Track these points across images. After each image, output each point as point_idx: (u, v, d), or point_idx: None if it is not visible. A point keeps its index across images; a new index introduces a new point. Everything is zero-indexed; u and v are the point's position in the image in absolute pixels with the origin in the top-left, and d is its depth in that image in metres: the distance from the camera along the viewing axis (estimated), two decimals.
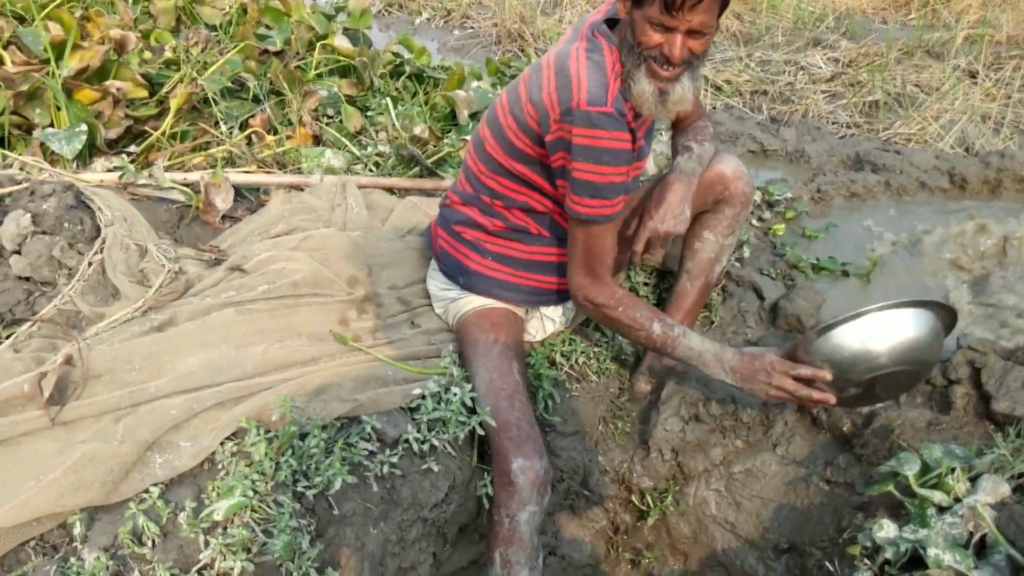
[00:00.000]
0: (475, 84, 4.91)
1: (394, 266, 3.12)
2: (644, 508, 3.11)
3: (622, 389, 3.30)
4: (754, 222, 3.96)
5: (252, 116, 3.99)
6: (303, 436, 2.45)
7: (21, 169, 3.24)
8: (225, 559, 2.22)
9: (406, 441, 2.59)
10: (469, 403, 2.66)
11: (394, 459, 2.53)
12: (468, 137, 4.23)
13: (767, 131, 4.95)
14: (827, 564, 2.55)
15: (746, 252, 3.65)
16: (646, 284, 3.49)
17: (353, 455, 2.48)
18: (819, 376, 2.49)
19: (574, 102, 2.36)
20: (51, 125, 3.54)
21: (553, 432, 2.99)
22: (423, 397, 2.67)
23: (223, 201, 3.32)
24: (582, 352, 3.21)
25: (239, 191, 3.46)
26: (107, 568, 2.16)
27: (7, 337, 2.62)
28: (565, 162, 2.49)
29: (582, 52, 2.43)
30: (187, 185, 3.32)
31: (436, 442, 2.61)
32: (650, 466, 3.10)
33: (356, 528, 2.47)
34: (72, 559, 2.20)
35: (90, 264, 2.77)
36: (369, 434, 2.55)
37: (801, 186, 4.29)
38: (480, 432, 2.64)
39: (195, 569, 2.22)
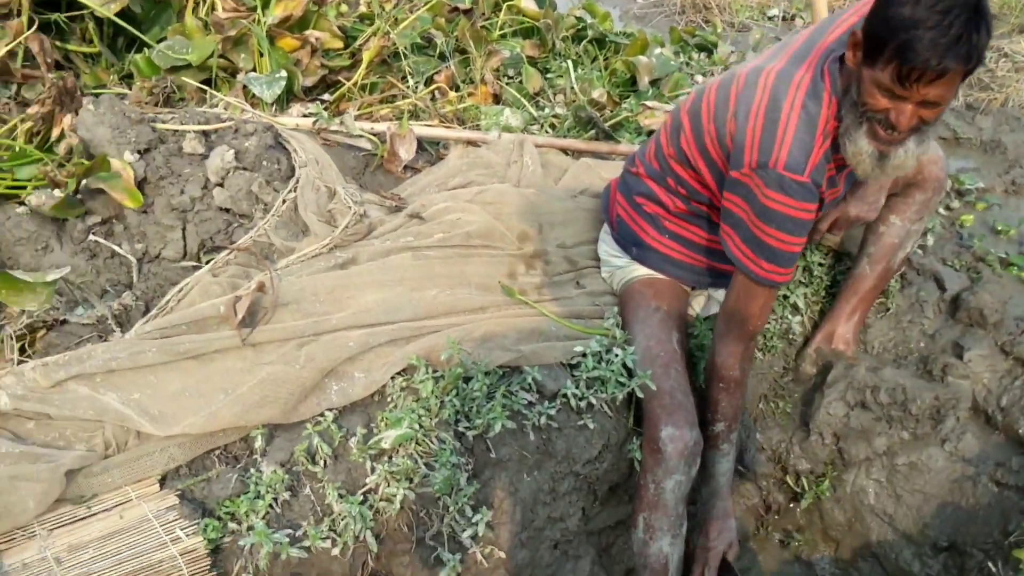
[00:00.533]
0: (658, 51, 4.86)
1: (564, 225, 3.16)
2: (798, 490, 3.05)
3: (786, 369, 3.23)
4: (941, 210, 3.76)
5: (437, 72, 4.11)
6: (467, 379, 2.54)
7: (225, 109, 3.47)
8: (389, 485, 2.35)
9: (564, 396, 2.64)
10: (630, 365, 2.68)
11: (552, 411, 2.59)
12: (647, 103, 4.21)
13: (961, 118, 4.66)
14: (989, 565, 2.44)
15: (930, 240, 3.48)
16: (821, 265, 3.39)
17: (513, 403, 2.55)
18: None
19: (772, 160, 2.24)
20: (253, 70, 3.76)
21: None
22: (584, 355, 2.71)
23: (406, 152, 3.45)
24: None
25: (421, 143, 3.58)
26: (283, 481, 2.33)
27: (207, 262, 2.84)
28: (743, 214, 2.39)
29: (800, 96, 2.24)
30: (374, 134, 3.46)
31: (594, 400, 2.65)
32: (809, 449, 3.03)
33: (511, 473, 2.55)
34: (252, 470, 2.38)
35: (284, 201, 2.95)
36: (529, 385, 2.61)
37: (995, 177, 4.03)
38: (640, 395, 2.66)
39: (361, 491, 2.36)
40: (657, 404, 2.59)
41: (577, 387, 2.66)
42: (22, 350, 2.65)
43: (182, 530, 2.24)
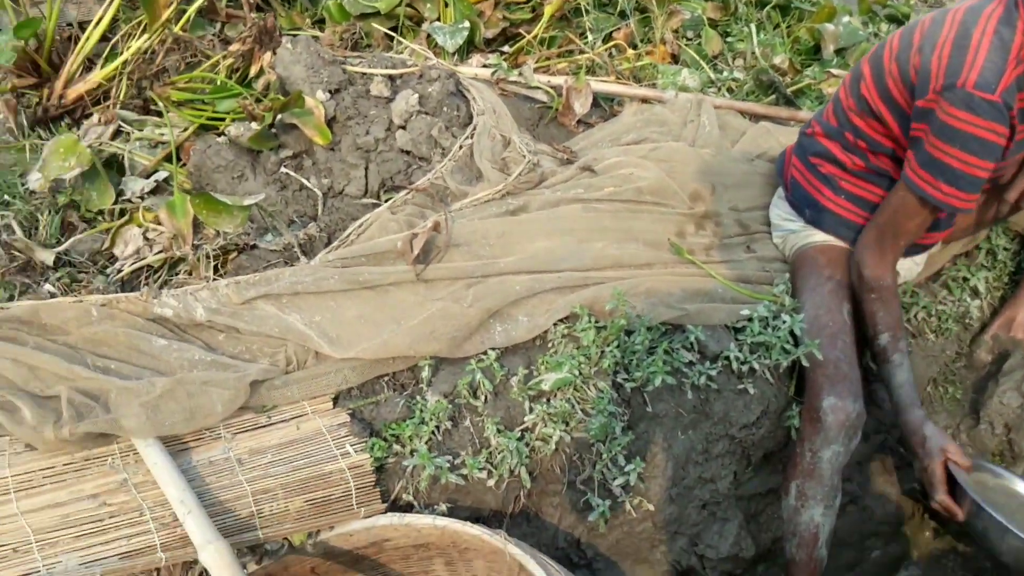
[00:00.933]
0: (845, 19, 4.67)
1: (738, 188, 3.11)
2: None
3: (959, 353, 3.08)
4: None
5: (616, 29, 4.10)
6: (628, 332, 2.56)
7: (410, 56, 3.59)
8: (546, 426, 2.41)
9: (726, 358, 2.62)
10: (798, 333, 2.62)
11: (712, 372, 2.58)
12: (832, 71, 4.07)
13: None
14: None
15: None
16: (1006, 249, 3.20)
17: (673, 360, 2.55)
18: (953, 513, 2.50)
19: (960, 79, 2.15)
20: (438, 19, 3.87)
21: (878, 382, 2.86)
22: (750, 319, 2.68)
23: (581, 106, 3.47)
24: (923, 307, 3.04)
25: (595, 99, 3.59)
26: (446, 410, 2.42)
27: (386, 200, 2.96)
28: (923, 135, 2.31)
29: (993, 21, 2.17)
30: (551, 87, 3.50)
31: (756, 365, 2.62)
32: (976, 437, 2.90)
33: (665, 429, 2.56)
34: (418, 397, 2.49)
35: (461, 147, 3.03)
36: (692, 344, 2.60)
37: None
38: (805, 364, 2.61)
39: (518, 428, 2.43)
40: (821, 373, 2.54)
41: (740, 351, 2.63)
42: (215, 269, 2.86)
43: (351, 446, 2.37)
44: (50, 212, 3.12)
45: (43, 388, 2.36)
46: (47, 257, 2.96)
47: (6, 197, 3.20)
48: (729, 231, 3.00)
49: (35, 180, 3.15)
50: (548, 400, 2.45)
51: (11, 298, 2.74)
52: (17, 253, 2.96)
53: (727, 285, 2.77)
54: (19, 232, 3.05)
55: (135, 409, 2.31)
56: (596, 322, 2.55)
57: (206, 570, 2.15)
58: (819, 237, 2.84)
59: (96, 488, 2.23)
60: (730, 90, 4.01)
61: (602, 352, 2.50)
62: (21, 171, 3.31)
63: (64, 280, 2.84)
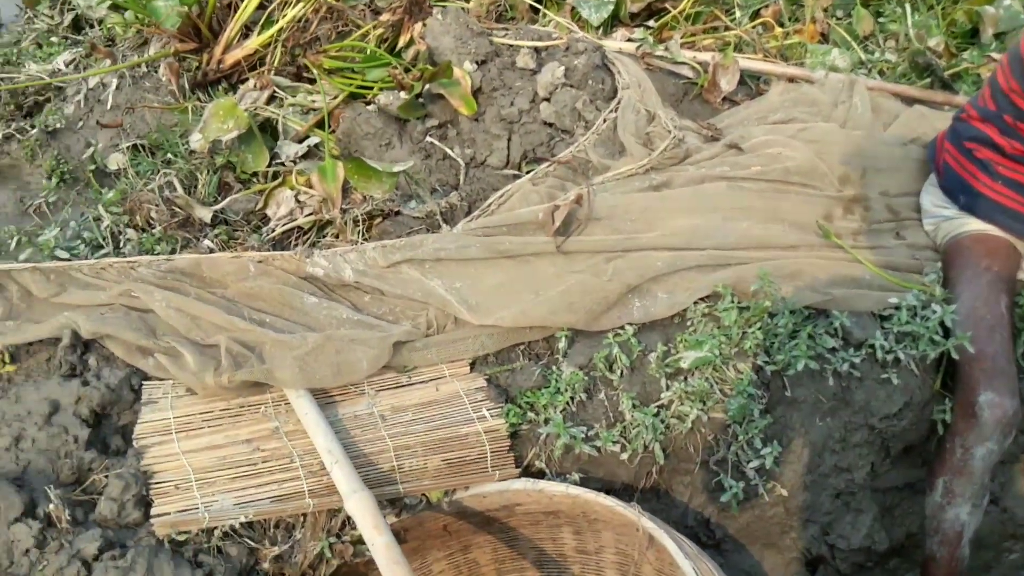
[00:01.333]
0: (1007, 2, 4.42)
1: (889, 172, 3.00)
2: None
3: None
4: None
5: (765, 6, 4.00)
6: (771, 315, 2.52)
7: (554, 28, 3.59)
8: (682, 404, 2.40)
9: (871, 346, 2.54)
10: (949, 324, 2.53)
11: (856, 360, 2.51)
12: (991, 55, 3.87)
13: None
14: None
15: None
16: None
17: (816, 345, 2.50)
18: None
19: None
20: None
21: None
22: (897, 308, 2.59)
23: (727, 83, 3.41)
24: None
25: (741, 76, 3.52)
26: (582, 381, 2.44)
27: (527, 172, 2.99)
28: None
29: None
30: (698, 63, 3.45)
31: (902, 355, 2.54)
32: None
33: (804, 415, 2.51)
34: (553, 367, 2.52)
35: (605, 120, 3.03)
36: (836, 330, 2.54)
37: None
38: (955, 356, 2.51)
39: (654, 404, 2.43)
40: (978, 368, 2.44)
41: (886, 339, 2.55)
42: (360, 233, 2.95)
43: (488, 410, 2.42)
44: (208, 172, 3.28)
45: (203, 337, 2.50)
46: (205, 215, 3.11)
47: (169, 156, 3.38)
48: (878, 216, 2.90)
49: (196, 140, 3.31)
50: (686, 378, 2.44)
51: (173, 251, 2.91)
52: (178, 209, 3.13)
53: (875, 271, 2.69)
54: (180, 189, 3.22)
55: (288, 361, 2.42)
56: (738, 302, 2.51)
57: (349, 518, 2.25)
58: (975, 225, 2.72)
59: (250, 434, 2.35)
60: (881, 72, 3.86)
61: (743, 333, 2.47)
62: (182, 131, 3.49)
63: (222, 237, 2.98)
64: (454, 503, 2.38)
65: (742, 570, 2.61)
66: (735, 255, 2.65)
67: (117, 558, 1.99)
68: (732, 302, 2.50)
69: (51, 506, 2.06)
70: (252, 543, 2.17)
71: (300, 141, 3.30)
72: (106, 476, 2.18)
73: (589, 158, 2.95)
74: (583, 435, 2.37)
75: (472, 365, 2.58)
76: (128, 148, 3.48)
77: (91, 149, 3.56)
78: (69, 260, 2.75)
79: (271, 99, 3.50)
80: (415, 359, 2.57)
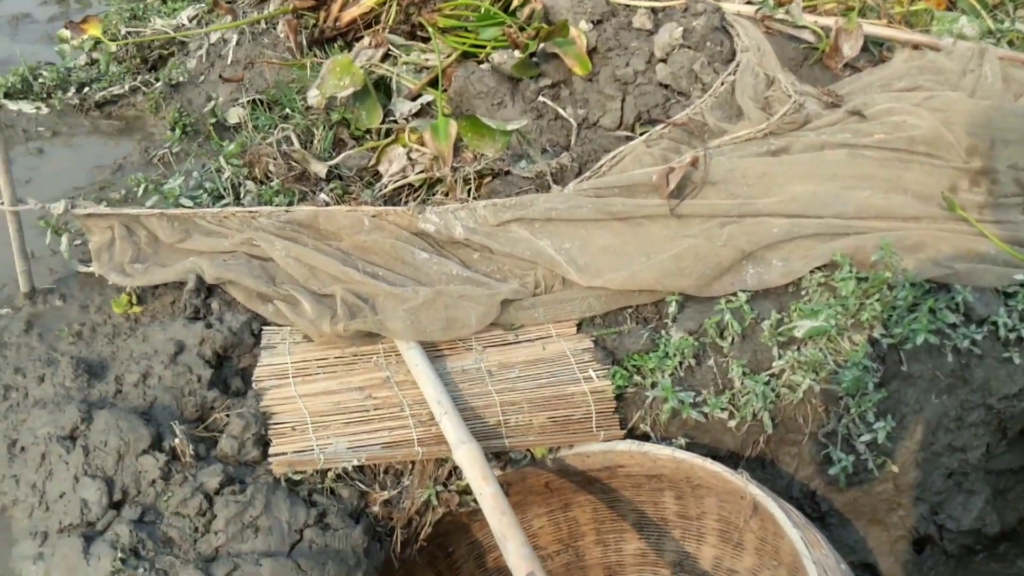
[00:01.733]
0: None
1: (1019, 145, 2.85)
2: None
3: None
4: None
5: None
6: (890, 287, 2.44)
7: None
8: (794, 373, 2.36)
9: (993, 323, 2.46)
10: None
11: (977, 336, 2.43)
12: None
13: None
14: None
15: None
16: None
17: (936, 320, 2.42)
18: None
19: None
20: None
21: None
22: (1023, 285, 2.49)
23: (850, 48, 3.30)
24: None
25: (864, 42, 3.40)
26: (691, 347, 2.42)
27: (641, 134, 2.96)
28: None
29: None
30: (820, 27, 3.35)
31: None
32: None
33: (919, 391, 2.45)
34: (662, 332, 2.51)
35: (722, 83, 2.97)
36: (957, 305, 2.46)
37: None
38: None
39: (765, 372, 2.39)
40: None
41: (1009, 317, 2.46)
42: (469, 192, 2.97)
43: (594, 371, 2.43)
44: (324, 128, 3.34)
45: (320, 287, 2.57)
46: (320, 169, 3.18)
47: (287, 111, 3.47)
48: (1006, 190, 2.78)
49: (313, 96, 3.38)
50: (799, 348, 2.40)
51: (290, 203, 2.98)
52: (294, 163, 3.20)
53: (1001, 247, 2.58)
54: (297, 144, 3.30)
55: (399, 314, 2.47)
56: (857, 273, 2.45)
57: (456, 468, 2.29)
58: None
59: (362, 382, 2.41)
60: (1011, 43, 3.68)
61: (861, 304, 2.41)
62: (299, 88, 3.56)
63: (336, 191, 3.05)
64: (557, 461, 2.39)
65: (845, 545, 2.57)
66: (854, 224, 2.58)
67: (237, 493, 2.08)
68: (850, 272, 2.44)
69: (176, 440, 2.16)
70: (363, 486, 2.23)
71: (413, 99, 3.33)
72: (227, 415, 2.27)
73: (705, 121, 2.90)
74: (691, 400, 2.35)
75: (579, 326, 2.58)
76: (247, 103, 3.58)
77: (211, 103, 3.67)
78: (193, 208, 2.85)
79: (385, 57, 3.55)
80: (522, 317, 2.59)
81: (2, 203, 2.59)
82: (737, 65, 3.02)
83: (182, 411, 2.30)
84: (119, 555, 1.94)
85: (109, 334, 2.57)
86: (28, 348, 2.54)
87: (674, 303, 2.52)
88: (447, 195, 2.99)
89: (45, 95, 3.98)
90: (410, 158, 3.12)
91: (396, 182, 3.07)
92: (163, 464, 2.12)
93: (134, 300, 2.63)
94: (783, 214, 2.59)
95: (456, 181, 2.96)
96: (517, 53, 3.12)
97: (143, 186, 3.13)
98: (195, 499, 2.05)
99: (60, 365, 2.41)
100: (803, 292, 2.51)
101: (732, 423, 2.37)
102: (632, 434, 2.42)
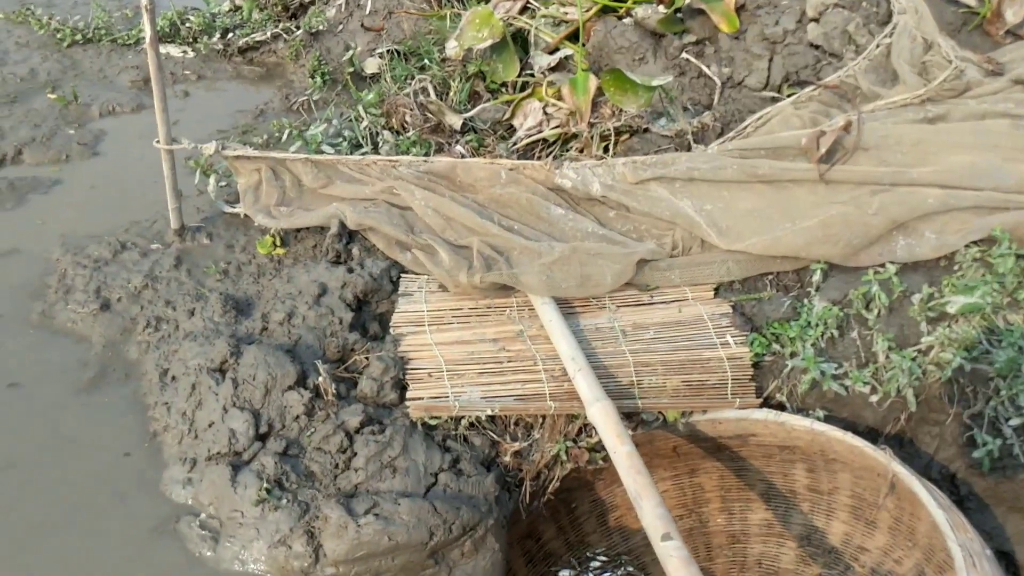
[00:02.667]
0: None
1: None
2: None
3: None
4: None
5: None
6: None
7: None
8: (944, 350, 2.26)
9: None
10: None
11: None
12: None
13: None
14: None
15: None
16: None
17: None
18: None
19: None
20: None
21: None
22: None
23: (1014, 15, 3.10)
24: None
25: None
26: (836, 317, 2.35)
27: (788, 95, 2.86)
28: None
29: None
30: None
31: None
32: None
33: None
34: (804, 300, 2.44)
35: (878, 46, 2.84)
36: None
37: None
38: None
39: (912, 348, 2.30)
40: None
41: None
42: (605, 149, 2.94)
43: (732, 337, 2.38)
44: (460, 80, 3.35)
45: (456, 238, 2.59)
46: (456, 121, 3.20)
47: (424, 62, 3.49)
48: None
49: (451, 48, 3.38)
50: (950, 324, 2.30)
51: (427, 154, 3.01)
52: (430, 115, 3.23)
53: None
54: (433, 95, 3.32)
55: (535, 268, 2.47)
56: (1016, 249, 2.32)
57: (586, 425, 2.29)
58: None
59: (496, 334, 2.43)
60: None
61: (1019, 283, 2.28)
62: (436, 39, 3.58)
63: (472, 143, 3.06)
64: (688, 425, 2.37)
65: (983, 531, 2.46)
66: (1015, 199, 2.44)
67: (376, 433, 2.13)
68: (1009, 248, 2.32)
69: (320, 379, 2.22)
70: (495, 436, 2.26)
71: (551, 53, 3.30)
72: (367, 357, 2.32)
73: (858, 84, 2.78)
74: (832, 372, 2.29)
75: (716, 291, 2.54)
76: (385, 53, 3.61)
77: (350, 52, 3.72)
78: (335, 155, 2.91)
79: (523, 10, 3.52)
80: (657, 279, 2.55)
81: (158, 141, 2.69)
82: (894, 27, 2.88)
83: (324, 351, 2.36)
84: (264, 485, 2.02)
85: (254, 273, 2.65)
86: (178, 283, 2.65)
87: (819, 271, 2.44)
88: (582, 152, 2.96)
89: (191, 39, 4.12)
90: (546, 113, 3.10)
91: (530, 136, 3.06)
92: (307, 401, 2.18)
93: (278, 242, 2.71)
94: (938, 184, 2.47)
95: (592, 137, 2.93)
96: (661, 8, 3.05)
97: (287, 131, 3.20)
98: (337, 436, 2.11)
99: (209, 300, 2.51)
100: (956, 267, 2.39)
101: (874, 398, 2.29)
102: (767, 403, 2.37)
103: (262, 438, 2.15)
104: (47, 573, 1.96)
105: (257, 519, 1.99)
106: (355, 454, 2.09)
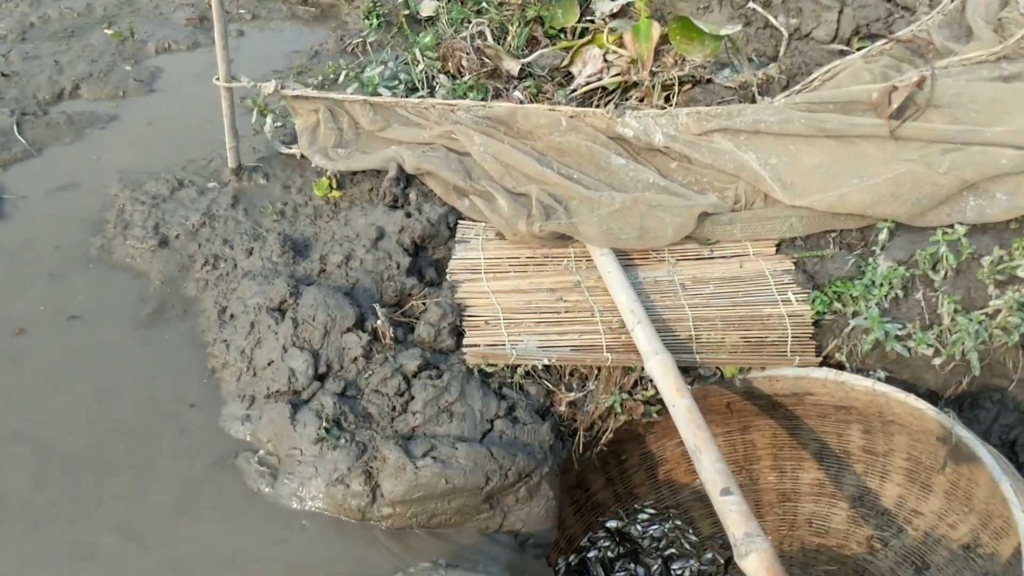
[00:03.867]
0: None
1: None
2: None
3: None
4: None
5: None
6: None
7: None
8: (1012, 315, 2.21)
9: None
10: None
11: None
12: None
13: None
14: None
15: None
16: None
17: None
18: None
19: None
20: None
21: None
22: None
23: None
24: None
25: None
26: (901, 278, 2.30)
27: (858, 49, 2.78)
28: None
29: None
30: None
31: None
32: None
33: None
34: (869, 259, 2.39)
35: (952, 0, 2.74)
36: None
37: None
38: None
39: (979, 311, 2.25)
40: None
41: None
42: (666, 99, 2.88)
43: (793, 294, 2.35)
44: (519, 24, 3.29)
45: (514, 185, 2.56)
46: (513, 67, 3.15)
47: (482, 4, 3.43)
48: None
49: None
50: (1019, 288, 2.24)
51: (484, 99, 2.97)
52: (487, 60, 3.18)
53: None
54: (490, 39, 3.27)
55: (594, 218, 2.44)
56: None
57: (641, 378, 2.28)
58: None
59: (553, 283, 2.41)
60: None
61: None
62: None
63: (530, 89, 3.01)
64: (744, 382, 2.35)
65: None
66: None
67: (434, 378, 2.13)
68: None
69: (378, 322, 2.22)
70: (550, 386, 2.25)
71: None
72: (424, 303, 2.32)
73: (931, 39, 2.70)
74: (896, 333, 2.25)
75: (778, 247, 2.50)
76: None
77: None
78: (393, 98, 2.88)
79: None
80: (718, 233, 2.51)
81: (217, 78, 2.67)
82: None
83: (382, 295, 2.36)
84: (323, 424, 2.04)
85: (311, 215, 2.65)
86: (235, 222, 2.65)
87: (885, 230, 2.39)
88: (642, 101, 2.91)
89: None
90: (606, 60, 3.04)
91: (590, 84, 3.01)
92: (365, 344, 2.19)
93: (334, 184, 2.70)
94: (1013, 145, 2.39)
95: (654, 87, 2.88)
96: None
97: (343, 73, 3.18)
98: (395, 379, 2.11)
99: (267, 240, 2.51)
100: None
101: (936, 361, 2.26)
102: (825, 363, 2.34)
103: (321, 378, 2.16)
104: (110, 505, 1.99)
105: (316, 457, 2.00)
106: (412, 398, 2.09)
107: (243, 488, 2.05)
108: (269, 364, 2.20)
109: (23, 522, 1.95)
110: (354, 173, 2.73)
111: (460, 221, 2.59)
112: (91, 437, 2.14)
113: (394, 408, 2.09)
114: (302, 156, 2.81)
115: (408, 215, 2.52)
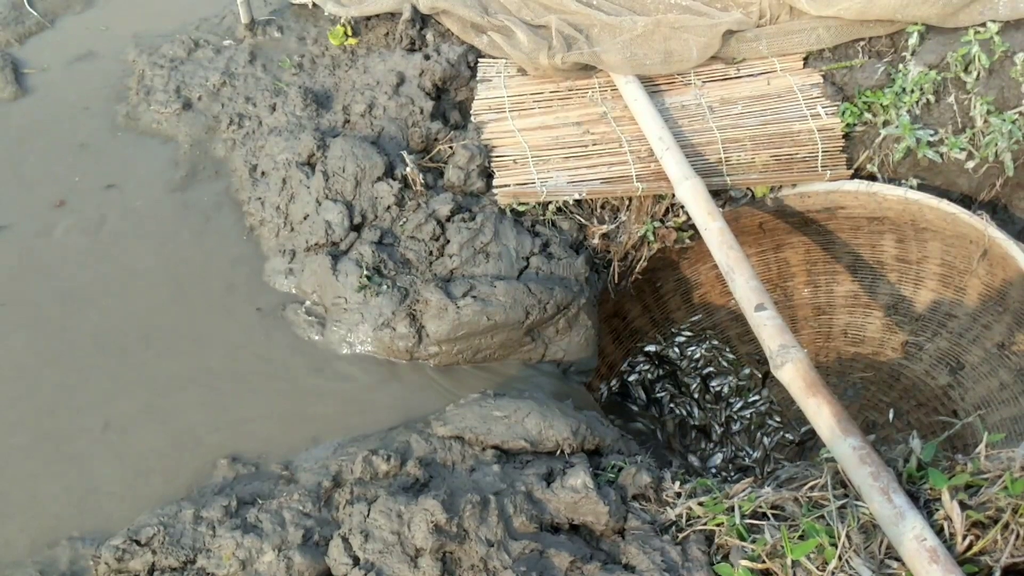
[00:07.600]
0: None
1: None
2: None
3: None
4: None
5: None
6: None
7: None
8: None
9: None
10: None
11: None
12: None
13: None
14: None
15: None
16: None
17: None
18: None
19: None
20: None
21: None
22: None
23: None
24: None
25: None
26: (932, 82, 2.25)
27: None
28: None
29: None
30: None
31: None
32: None
33: None
34: (900, 66, 2.33)
35: None
36: None
37: None
38: None
39: (1013, 111, 2.21)
40: None
41: None
42: None
43: (823, 108, 2.32)
44: None
45: (533, 17, 2.50)
46: None
47: None
48: None
49: None
50: None
51: None
52: None
53: None
54: None
55: (616, 45, 2.39)
56: None
57: (673, 205, 2.30)
58: None
59: (579, 117, 2.40)
60: None
61: None
62: None
63: None
64: (776, 200, 2.35)
65: None
66: None
67: (467, 220, 2.16)
68: None
69: (408, 169, 2.24)
70: (582, 220, 2.28)
71: None
72: (451, 146, 2.32)
73: None
74: (928, 139, 2.22)
75: (805, 60, 2.44)
76: None
77: None
78: None
79: None
80: (744, 50, 2.46)
81: None
82: None
83: (408, 142, 2.36)
84: (364, 272, 2.09)
85: (329, 65, 2.62)
86: (255, 78, 2.64)
87: (915, 34, 2.32)
88: None
89: None
90: None
91: None
92: (396, 191, 2.21)
93: (349, 32, 2.66)
94: None
95: None
96: None
97: None
98: (429, 225, 2.15)
99: (288, 95, 2.50)
100: None
101: (969, 164, 2.24)
102: (857, 175, 2.33)
103: (357, 228, 2.20)
104: (169, 360, 2.08)
105: (360, 304, 2.07)
106: (448, 241, 2.13)
107: (294, 338, 2.13)
108: (305, 218, 2.24)
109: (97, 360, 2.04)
110: (368, 18, 2.68)
111: (480, 59, 2.55)
112: (143, 299, 2.20)
113: (431, 252, 2.13)
114: (314, 4, 2.76)
115: (427, 57, 2.48)
